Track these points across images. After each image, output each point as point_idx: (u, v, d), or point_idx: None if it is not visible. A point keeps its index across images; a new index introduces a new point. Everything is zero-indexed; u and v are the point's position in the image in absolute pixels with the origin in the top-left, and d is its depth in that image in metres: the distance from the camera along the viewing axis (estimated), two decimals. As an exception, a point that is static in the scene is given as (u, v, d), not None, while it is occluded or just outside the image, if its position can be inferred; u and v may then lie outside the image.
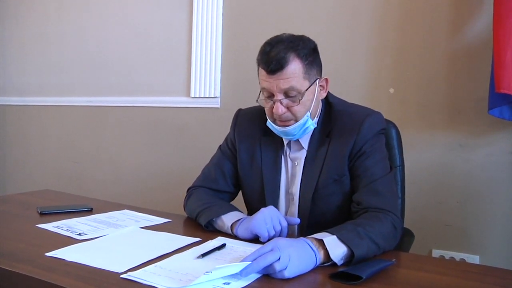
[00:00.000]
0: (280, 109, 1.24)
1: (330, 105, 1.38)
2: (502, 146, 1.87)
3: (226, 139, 1.52)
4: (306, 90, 1.26)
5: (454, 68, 1.96)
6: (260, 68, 1.28)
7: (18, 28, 3.50)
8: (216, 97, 2.58)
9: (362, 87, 2.15)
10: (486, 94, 1.76)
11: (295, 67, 1.23)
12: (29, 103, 3.45)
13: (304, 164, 1.35)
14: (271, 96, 1.27)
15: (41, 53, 3.37)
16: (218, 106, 2.58)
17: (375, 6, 2.12)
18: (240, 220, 1.25)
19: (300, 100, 1.25)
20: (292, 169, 1.38)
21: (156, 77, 2.82)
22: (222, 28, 2.56)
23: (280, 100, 1.24)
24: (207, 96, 2.60)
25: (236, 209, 1.33)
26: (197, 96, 2.64)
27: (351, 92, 2.09)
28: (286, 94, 1.25)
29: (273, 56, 1.22)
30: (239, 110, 1.52)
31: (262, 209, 1.23)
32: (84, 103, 3.14)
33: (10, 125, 3.59)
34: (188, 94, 2.69)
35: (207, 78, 2.60)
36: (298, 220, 1.29)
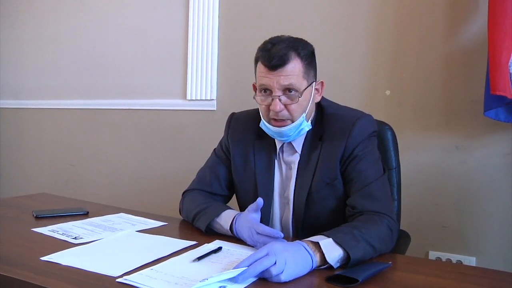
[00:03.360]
0: (278, 105, 1.24)
1: (321, 108, 1.38)
2: (498, 148, 1.87)
3: (220, 143, 1.52)
4: (305, 89, 1.26)
5: (450, 70, 1.97)
6: (259, 65, 1.28)
7: (14, 31, 3.49)
8: (212, 99, 2.58)
9: (359, 89, 2.16)
10: (482, 96, 1.76)
11: (295, 65, 1.24)
12: (25, 105, 3.44)
13: (297, 168, 1.35)
14: (269, 93, 1.27)
15: (37, 55, 3.36)
16: (215, 108, 2.58)
17: (372, 9, 2.13)
18: (234, 220, 1.24)
19: (299, 98, 1.25)
20: (287, 172, 1.37)
21: (152, 80, 2.81)
22: (218, 31, 2.56)
23: (278, 96, 1.24)
24: (204, 98, 2.60)
25: (226, 208, 1.32)
26: (194, 98, 2.63)
27: (347, 94, 2.11)
28: (285, 92, 1.25)
29: (275, 52, 1.23)
30: (232, 114, 1.52)
31: (239, 220, 1.23)
32: (80, 105, 3.13)
33: (6, 128, 3.57)
34: (184, 96, 2.68)
35: (204, 81, 2.60)
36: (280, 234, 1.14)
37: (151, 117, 2.83)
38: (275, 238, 1.12)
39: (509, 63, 1.62)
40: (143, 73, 2.85)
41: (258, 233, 1.15)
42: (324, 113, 1.36)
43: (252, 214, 1.21)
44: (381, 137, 1.49)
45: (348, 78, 2.17)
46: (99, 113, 3.05)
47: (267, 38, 1.32)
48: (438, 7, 1.99)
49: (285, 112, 1.26)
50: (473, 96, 1.89)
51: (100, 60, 3.03)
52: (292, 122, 1.28)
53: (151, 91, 2.82)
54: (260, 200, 1.20)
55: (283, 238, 1.19)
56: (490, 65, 1.65)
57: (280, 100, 1.25)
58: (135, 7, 2.88)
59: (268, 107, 1.27)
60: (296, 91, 1.25)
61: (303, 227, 1.33)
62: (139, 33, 2.86)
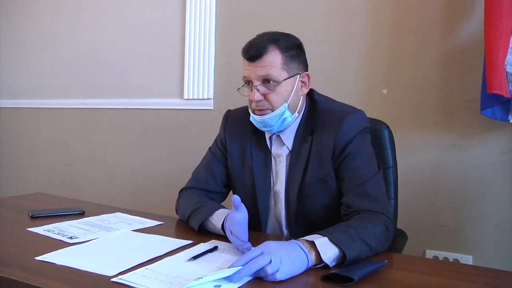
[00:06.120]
0: (256, 95, 1.28)
1: (314, 103, 1.38)
2: (495, 146, 1.87)
3: (215, 140, 1.52)
4: (284, 80, 1.28)
5: (447, 69, 1.97)
6: (243, 58, 1.32)
7: (11, 31, 3.48)
8: (209, 98, 2.58)
9: (356, 88, 2.16)
10: (479, 95, 1.77)
11: (274, 57, 1.28)
12: (22, 105, 3.43)
13: (288, 162, 1.35)
14: (251, 85, 1.30)
15: (34, 55, 3.36)
16: (211, 107, 2.58)
17: (369, 7, 2.13)
18: (225, 220, 1.22)
19: (275, 87, 1.27)
20: (276, 166, 1.38)
21: (149, 79, 2.81)
22: (215, 30, 2.56)
23: (256, 86, 1.28)
24: (200, 98, 2.60)
25: (220, 207, 1.31)
26: (191, 98, 2.63)
27: (344, 92, 2.10)
28: (264, 82, 1.28)
29: (254, 44, 1.29)
30: (228, 111, 1.53)
31: (227, 219, 1.20)
32: (77, 105, 3.12)
33: (3, 127, 3.56)
34: (181, 96, 2.68)
35: (200, 80, 2.59)
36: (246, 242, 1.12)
37: (148, 117, 2.82)
38: (242, 241, 1.10)
39: (505, 62, 1.63)
40: (140, 73, 2.84)
41: (231, 234, 1.13)
42: (317, 108, 1.36)
43: (235, 214, 1.15)
44: (378, 136, 1.49)
45: (345, 77, 2.17)
46: (96, 112, 3.05)
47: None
48: (435, 6, 1.99)
49: (265, 102, 1.29)
50: (470, 95, 1.89)
51: (97, 60, 3.03)
52: (272, 111, 1.29)
53: (148, 91, 2.81)
54: (235, 198, 1.13)
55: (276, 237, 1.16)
56: (486, 64, 1.66)
57: (258, 90, 1.28)
58: (132, 7, 2.87)
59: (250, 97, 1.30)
60: (274, 81, 1.27)
61: (296, 222, 1.33)
62: (136, 32, 2.85)
